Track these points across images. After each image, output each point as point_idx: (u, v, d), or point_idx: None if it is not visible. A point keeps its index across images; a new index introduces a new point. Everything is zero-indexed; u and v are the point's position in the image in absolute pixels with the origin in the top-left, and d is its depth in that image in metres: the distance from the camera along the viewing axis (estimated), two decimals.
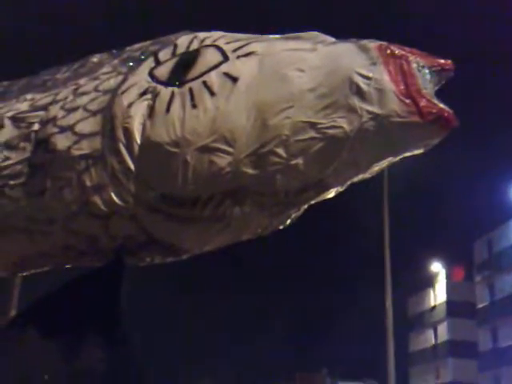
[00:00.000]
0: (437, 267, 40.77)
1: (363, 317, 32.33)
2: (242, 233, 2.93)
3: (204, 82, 2.72)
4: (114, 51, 3.37)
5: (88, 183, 2.80)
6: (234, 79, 2.69)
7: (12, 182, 2.99)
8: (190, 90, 2.71)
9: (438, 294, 41.46)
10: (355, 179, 2.78)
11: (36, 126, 3.02)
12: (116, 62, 3.19)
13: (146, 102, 2.76)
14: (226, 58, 2.79)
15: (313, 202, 2.85)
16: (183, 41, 3.03)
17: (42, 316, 2.97)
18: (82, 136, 2.85)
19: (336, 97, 2.54)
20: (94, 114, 2.88)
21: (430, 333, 41.70)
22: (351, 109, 2.52)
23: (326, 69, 2.60)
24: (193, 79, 2.75)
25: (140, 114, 2.74)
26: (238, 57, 2.78)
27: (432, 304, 41.96)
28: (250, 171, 2.59)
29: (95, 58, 3.38)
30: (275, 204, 2.75)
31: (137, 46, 3.30)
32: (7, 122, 3.14)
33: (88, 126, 2.86)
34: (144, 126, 2.74)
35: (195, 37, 3.03)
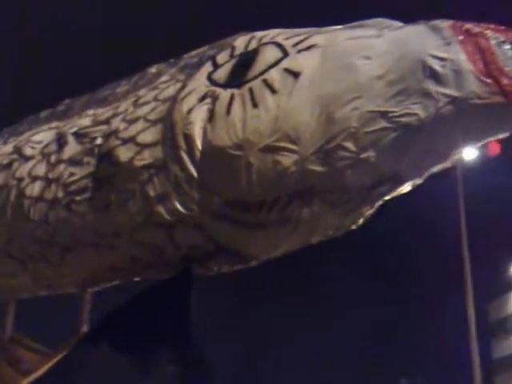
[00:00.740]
0: None
1: (444, 325, 31.44)
2: (312, 235, 2.79)
3: (264, 81, 2.61)
4: (172, 60, 3.33)
5: (151, 193, 2.75)
6: (296, 74, 2.57)
7: (78, 198, 2.99)
8: (250, 90, 2.62)
9: None
10: (434, 169, 2.60)
11: (99, 140, 3.01)
12: (174, 70, 3.15)
13: (205, 107, 2.69)
14: (285, 54, 2.68)
15: (387, 198, 2.68)
16: (241, 42, 2.95)
17: (113, 332, 2.90)
18: (144, 146, 2.81)
19: (408, 82, 2.38)
20: (154, 123, 2.84)
21: None
22: (426, 94, 2.35)
23: (395, 54, 2.45)
24: (252, 79, 2.66)
25: (200, 119, 2.67)
26: (299, 51, 2.67)
27: None
28: (318, 169, 2.46)
29: (153, 69, 3.35)
30: (346, 202, 2.60)
31: (194, 52, 3.25)
32: (71, 139, 3.16)
33: (149, 135, 2.82)
34: (205, 130, 2.66)
35: (253, 37, 2.94)
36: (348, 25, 2.78)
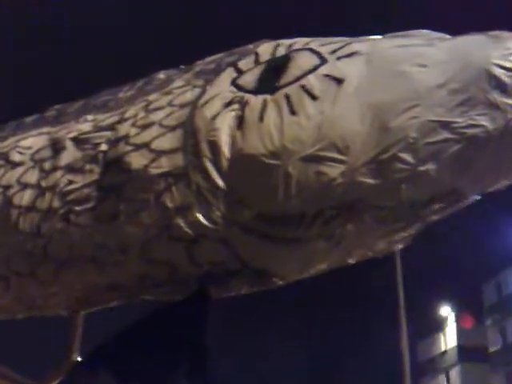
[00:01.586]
0: (446, 311, 40.14)
1: (376, 362, 31.60)
2: (352, 254, 2.61)
3: (302, 87, 2.44)
4: (182, 67, 3.14)
5: (169, 204, 2.51)
6: (339, 81, 2.41)
7: (78, 208, 2.73)
8: (287, 96, 2.43)
9: (449, 339, 40.73)
10: (493, 188, 2.46)
11: (103, 147, 2.78)
12: (188, 75, 2.96)
13: (232, 113, 2.50)
14: (323, 61, 2.52)
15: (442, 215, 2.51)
16: (265, 48, 2.78)
17: (117, 357, 2.61)
18: (161, 153, 2.59)
19: (472, 92, 2.24)
20: (172, 129, 2.63)
21: (442, 378, 40.83)
22: (492, 104, 2.22)
23: (456, 62, 2.31)
24: (287, 85, 2.48)
25: (227, 126, 2.48)
26: (339, 58, 2.51)
27: (443, 349, 41.20)
28: (369, 181, 2.27)
29: (162, 75, 3.15)
30: (397, 218, 2.42)
31: (209, 59, 3.06)
32: (69, 144, 2.91)
33: (166, 142, 2.60)
34: (233, 138, 2.46)
35: (278, 44, 2.78)
36: (388, 34, 2.67)
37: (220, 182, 2.45)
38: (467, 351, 38.87)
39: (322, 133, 2.32)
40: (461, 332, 39.99)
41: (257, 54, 2.76)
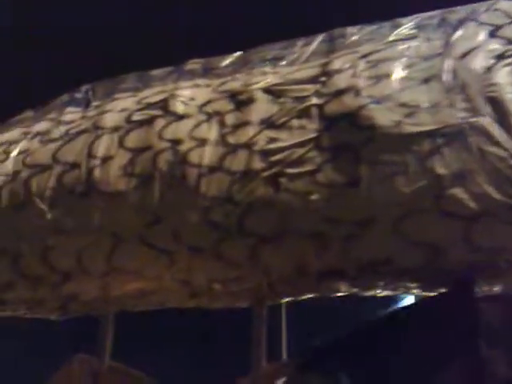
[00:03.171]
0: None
1: None
2: None
3: None
4: (384, 23, 2.79)
5: (440, 170, 2.09)
6: None
7: (291, 171, 2.27)
8: None
9: None
10: None
11: (315, 100, 2.39)
12: (413, 31, 2.63)
13: (508, 68, 2.20)
14: None
15: None
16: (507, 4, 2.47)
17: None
18: (416, 108, 2.21)
19: None
20: (423, 81, 2.29)
21: None
22: None
23: None
24: None
25: (506, 82, 2.16)
26: None
27: None
28: None
29: (352, 29, 2.80)
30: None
31: (425, 14, 2.72)
32: (259, 96, 2.51)
33: (421, 95, 2.24)
34: None
35: None
36: None
37: (510, 146, 2.05)
38: None
39: None
40: None
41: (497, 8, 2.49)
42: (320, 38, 2.80)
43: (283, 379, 2.29)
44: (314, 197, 2.20)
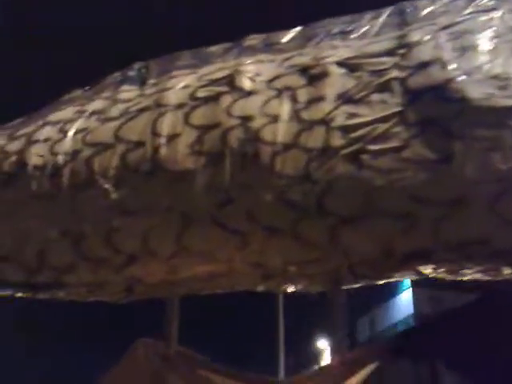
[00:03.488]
0: (323, 344, 38.89)
1: None
2: None
3: None
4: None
5: None
6: None
7: (374, 147, 2.12)
8: None
9: None
10: None
11: (395, 73, 2.25)
12: (493, 1, 2.48)
13: None
14: None
15: None
16: None
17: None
18: (510, 80, 2.07)
19: None
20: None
21: None
22: None
23: None
24: None
25: None
26: None
27: None
28: None
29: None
30: None
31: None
32: (333, 69, 2.36)
33: (508, 68, 2.10)
34: None
35: None
36: None
37: None
38: None
39: None
40: None
41: None
42: (388, 11, 2.66)
43: (374, 364, 2.24)
44: (400, 174, 2.06)
